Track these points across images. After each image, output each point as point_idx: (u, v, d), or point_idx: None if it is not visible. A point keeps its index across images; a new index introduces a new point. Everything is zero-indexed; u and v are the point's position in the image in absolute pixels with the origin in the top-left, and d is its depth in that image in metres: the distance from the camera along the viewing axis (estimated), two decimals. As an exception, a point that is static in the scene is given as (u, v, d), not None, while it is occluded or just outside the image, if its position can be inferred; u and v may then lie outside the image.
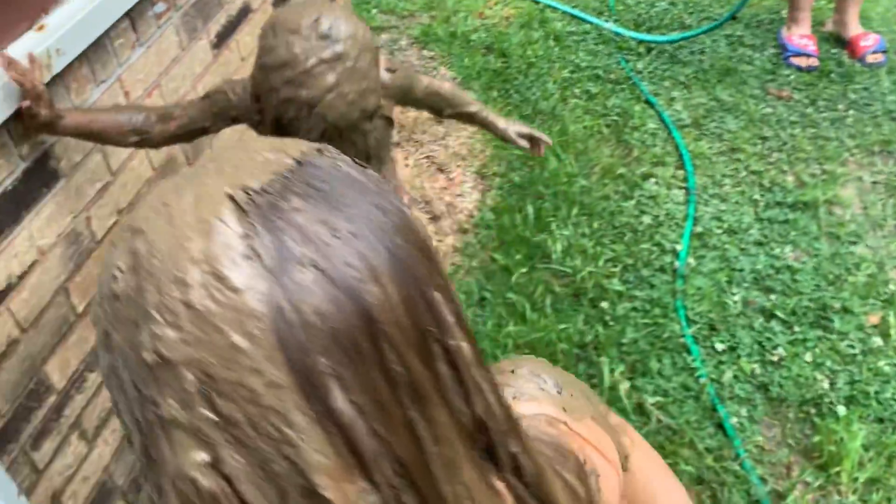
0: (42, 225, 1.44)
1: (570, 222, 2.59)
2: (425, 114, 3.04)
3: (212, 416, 0.38)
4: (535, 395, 0.61)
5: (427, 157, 2.90)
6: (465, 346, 0.44)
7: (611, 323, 2.29)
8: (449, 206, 2.73)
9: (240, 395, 0.38)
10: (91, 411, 1.64)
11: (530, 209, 2.63)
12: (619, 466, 0.64)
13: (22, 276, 1.40)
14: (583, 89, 3.17)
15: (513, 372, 0.63)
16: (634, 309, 2.33)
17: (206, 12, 1.91)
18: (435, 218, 2.68)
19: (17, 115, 1.31)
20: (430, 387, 0.41)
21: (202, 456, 0.39)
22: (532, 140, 1.85)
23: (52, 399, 1.52)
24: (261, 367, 0.37)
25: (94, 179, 1.57)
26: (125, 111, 1.44)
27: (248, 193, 0.40)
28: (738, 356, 2.20)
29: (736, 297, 2.35)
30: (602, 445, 0.62)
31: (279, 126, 1.34)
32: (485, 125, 1.83)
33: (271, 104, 1.32)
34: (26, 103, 1.28)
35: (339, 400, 0.38)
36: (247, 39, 2.11)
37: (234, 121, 1.48)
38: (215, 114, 1.46)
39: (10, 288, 1.38)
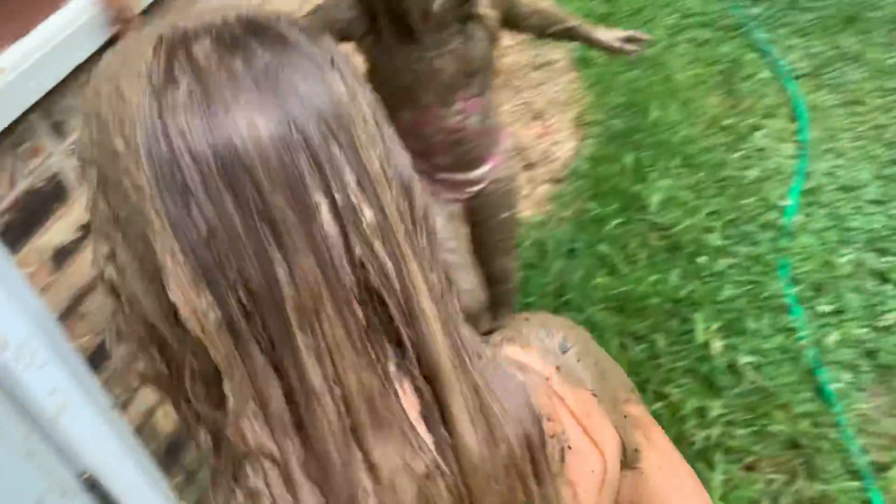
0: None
1: (671, 173, 2.48)
2: (523, 59, 2.97)
3: (107, 212, 0.44)
4: (529, 343, 0.58)
5: (524, 103, 2.83)
6: (366, 212, 0.44)
7: (708, 279, 2.19)
8: (544, 154, 2.66)
9: (120, 194, 0.43)
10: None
11: (629, 159, 2.53)
12: (611, 457, 0.57)
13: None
14: (692, 36, 3.01)
15: (526, 319, 0.61)
16: (734, 266, 2.22)
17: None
18: (529, 165, 2.63)
19: (109, 43, 1.34)
20: (295, 231, 0.42)
21: (105, 248, 0.45)
22: (635, 41, 1.79)
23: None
24: (130, 170, 0.42)
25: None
26: None
27: (173, 31, 0.44)
28: (844, 319, 2.07)
29: (846, 258, 2.20)
30: (589, 422, 0.56)
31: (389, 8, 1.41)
32: (585, 39, 1.80)
33: None
34: (117, 27, 1.31)
35: (193, 213, 0.41)
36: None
37: (341, 36, 1.48)
38: (321, 29, 1.46)
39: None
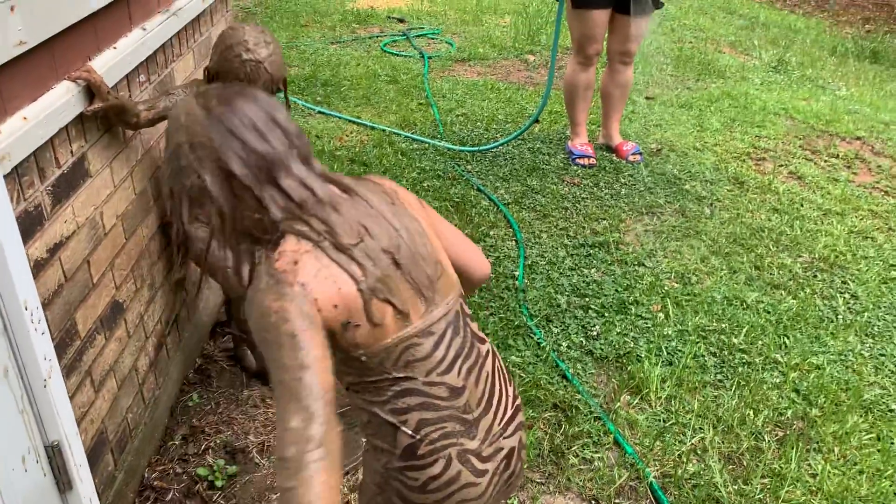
0: (80, 206, 1.99)
1: (434, 265, 3.34)
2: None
3: (195, 158, 1.21)
4: None
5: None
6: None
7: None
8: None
9: (201, 148, 1.20)
10: (97, 366, 2.09)
11: (402, 259, 3.36)
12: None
13: (68, 238, 1.93)
14: (430, 184, 4.05)
15: None
16: (493, 314, 3.08)
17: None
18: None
19: (78, 117, 1.91)
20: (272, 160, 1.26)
21: (195, 175, 1.21)
22: None
23: (77, 343, 1.98)
24: (204, 136, 1.21)
25: (105, 186, 2.14)
26: (131, 100, 2.15)
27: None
28: (569, 334, 2.98)
29: (562, 300, 3.17)
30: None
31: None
32: None
33: (232, 69, 2.22)
34: (92, 109, 1.90)
35: (238, 145, 1.20)
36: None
37: None
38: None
39: (62, 243, 1.90)
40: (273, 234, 1.21)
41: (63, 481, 1.80)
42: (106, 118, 2.07)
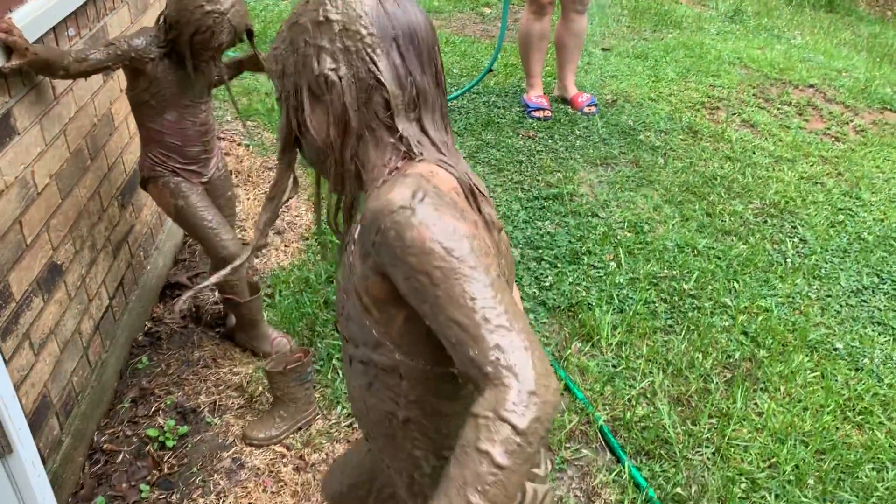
0: (7, 164, 1.92)
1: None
2: (257, 163, 3.71)
3: (340, 46, 0.94)
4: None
5: (265, 192, 3.54)
6: (439, 61, 1.03)
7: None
8: (290, 224, 3.36)
9: (355, 38, 0.95)
10: (35, 329, 2.04)
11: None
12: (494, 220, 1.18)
13: (-4, 198, 1.87)
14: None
15: None
16: (444, 268, 3.07)
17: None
18: (279, 233, 3.30)
19: None
20: (427, 63, 1.01)
21: (331, 64, 0.95)
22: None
23: (13, 306, 1.94)
24: (366, 27, 0.95)
25: (35, 144, 2.08)
26: (59, 51, 2.06)
27: None
28: (523, 285, 2.99)
29: (515, 253, 3.17)
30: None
31: (193, 39, 2.13)
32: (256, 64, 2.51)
33: (193, 20, 2.10)
34: (10, 66, 1.83)
35: (398, 57, 0.96)
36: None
37: (132, 61, 2.18)
38: (116, 56, 2.15)
39: (-11, 204, 1.84)
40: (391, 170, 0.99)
41: (2, 445, 1.78)
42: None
